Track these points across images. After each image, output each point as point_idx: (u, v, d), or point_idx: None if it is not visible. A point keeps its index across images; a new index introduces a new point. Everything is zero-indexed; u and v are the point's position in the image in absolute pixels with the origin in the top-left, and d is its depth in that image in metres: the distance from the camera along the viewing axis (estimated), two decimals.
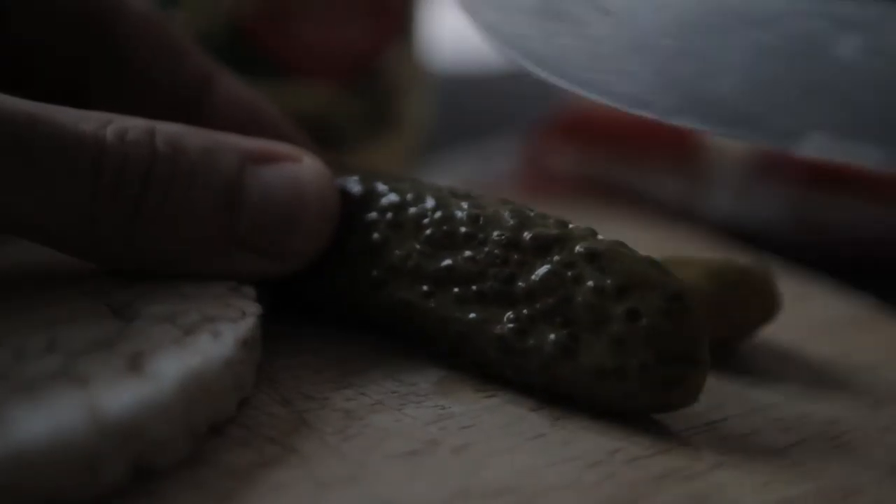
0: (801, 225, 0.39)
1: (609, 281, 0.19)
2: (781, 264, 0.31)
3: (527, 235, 0.21)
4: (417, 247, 0.22)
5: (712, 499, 0.17)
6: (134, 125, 0.20)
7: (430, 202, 0.22)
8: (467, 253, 0.21)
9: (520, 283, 0.20)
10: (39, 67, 0.25)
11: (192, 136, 0.21)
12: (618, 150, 0.44)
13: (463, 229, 0.21)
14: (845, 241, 0.38)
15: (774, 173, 0.39)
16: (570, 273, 0.20)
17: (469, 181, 0.42)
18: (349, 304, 0.23)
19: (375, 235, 0.22)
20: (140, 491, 0.16)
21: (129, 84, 0.25)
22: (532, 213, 0.21)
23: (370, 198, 0.23)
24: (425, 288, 0.21)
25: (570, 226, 0.21)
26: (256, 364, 0.21)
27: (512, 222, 0.21)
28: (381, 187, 0.23)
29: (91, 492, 0.15)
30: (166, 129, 0.20)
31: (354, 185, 0.23)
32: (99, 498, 0.15)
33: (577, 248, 0.20)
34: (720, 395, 0.22)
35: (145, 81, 0.25)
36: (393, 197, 0.23)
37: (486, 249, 0.21)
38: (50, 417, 0.15)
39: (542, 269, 0.20)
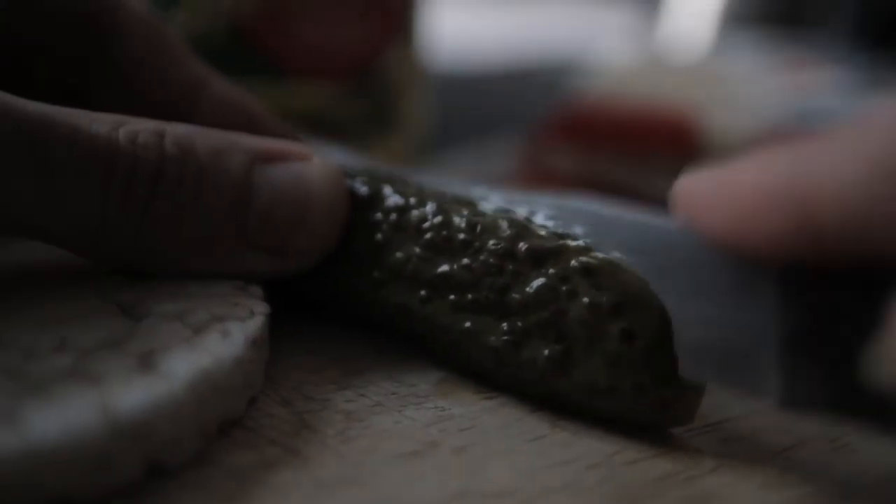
0: None
1: (604, 298, 0.19)
2: None
3: (522, 246, 0.20)
4: (417, 251, 0.22)
5: (712, 501, 0.17)
6: (144, 127, 0.20)
7: (430, 206, 0.22)
8: (464, 261, 0.21)
9: (514, 295, 0.20)
10: (38, 68, 0.25)
11: (202, 137, 0.21)
12: (618, 149, 0.44)
13: (461, 236, 0.21)
14: None
15: None
16: (564, 287, 0.20)
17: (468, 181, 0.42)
18: (351, 304, 0.23)
19: (379, 236, 0.22)
20: (142, 491, 0.16)
21: (125, 85, 0.25)
22: (530, 224, 0.21)
23: (376, 198, 0.23)
24: (423, 293, 0.21)
25: (568, 238, 0.20)
26: (265, 363, 0.21)
27: (508, 232, 0.21)
28: (387, 189, 0.23)
29: (102, 490, 0.15)
30: (176, 131, 0.21)
31: (361, 186, 0.23)
32: (108, 496, 0.16)
33: (573, 262, 0.20)
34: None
35: (140, 83, 0.25)
36: (397, 199, 0.23)
37: (482, 258, 0.21)
38: (61, 416, 0.15)
39: (537, 282, 0.20)
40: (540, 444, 0.19)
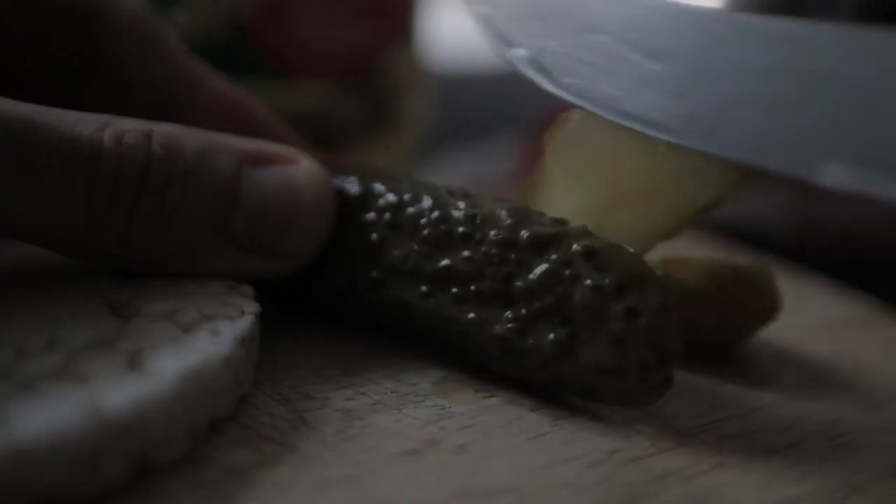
0: (800, 225, 0.39)
1: (607, 280, 0.19)
2: (781, 264, 0.31)
3: (524, 234, 0.20)
4: (416, 247, 0.22)
5: (712, 499, 0.17)
6: (131, 128, 0.20)
7: (427, 202, 0.22)
8: (465, 253, 0.21)
9: (518, 283, 0.20)
10: (33, 66, 0.25)
11: (189, 138, 0.21)
12: None
13: (461, 229, 0.21)
14: (845, 241, 0.38)
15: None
16: (567, 272, 0.20)
17: (469, 181, 0.42)
18: (349, 305, 0.23)
19: (374, 236, 0.22)
20: (140, 490, 0.16)
21: (119, 84, 0.25)
22: (529, 212, 0.21)
23: (368, 198, 0.23)
24: (424, 288, 0.21)
25: (567, 224, 0.21)
26: (255, 362, 0.21)
27: (508, 221, 0.21)
28: (379, 188, 0.23)
29: (91, 489, 0.15)
30: (163, 131, 0.21)
31: (352, 186, 0.23)
32: (99, 495, 0.16)
33: (575, 247, 0.20)
34: (720, 395, 0.22)
35: (135, 81, 0.25)
36: (391, 197, 0.23)
37: (484, 249, 0.21)
38: (50, 415, 0.15)
39: (540, 268, 0.20)
40: (541, 442, 0.19)
